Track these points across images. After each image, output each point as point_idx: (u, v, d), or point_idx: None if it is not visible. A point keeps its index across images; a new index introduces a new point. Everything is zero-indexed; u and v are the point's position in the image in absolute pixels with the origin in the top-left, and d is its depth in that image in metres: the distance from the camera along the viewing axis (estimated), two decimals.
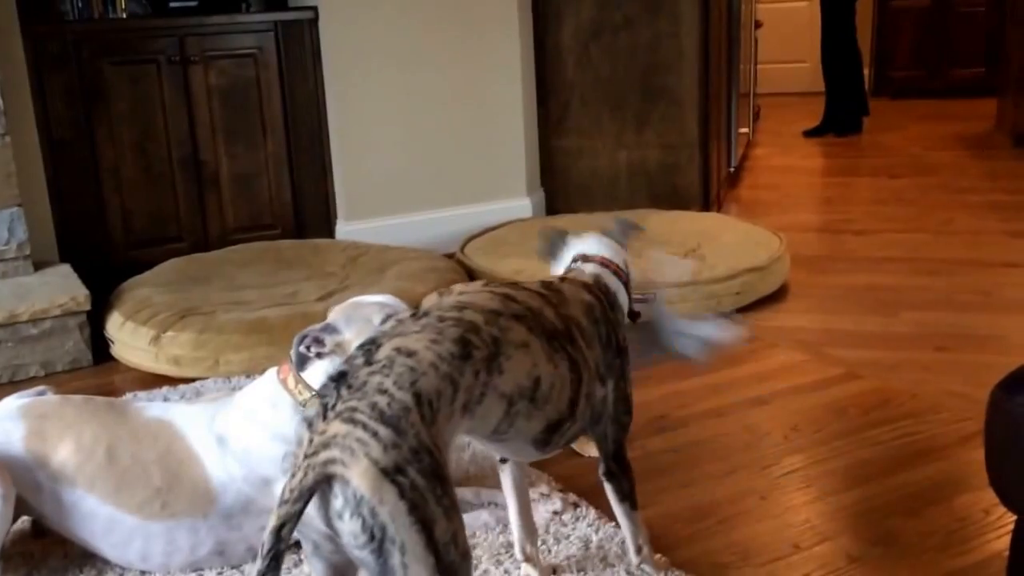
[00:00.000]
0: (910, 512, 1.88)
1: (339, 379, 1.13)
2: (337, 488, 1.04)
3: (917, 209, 4.45)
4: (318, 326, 1.66)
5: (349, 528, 1.04)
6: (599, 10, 4.06)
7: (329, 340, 1.63)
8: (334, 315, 1.68)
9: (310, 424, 1.11)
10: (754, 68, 6.15)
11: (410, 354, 1.16)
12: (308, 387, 1.67)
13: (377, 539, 1.04)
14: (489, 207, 4.02)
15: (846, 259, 3.66)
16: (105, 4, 3.55)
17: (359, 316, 1.64)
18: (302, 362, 1.66)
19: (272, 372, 1.74)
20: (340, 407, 1.09)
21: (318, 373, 1.65)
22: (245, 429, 1.68)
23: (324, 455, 1.05)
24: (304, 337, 1.63)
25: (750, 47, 5.68)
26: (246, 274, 3.20)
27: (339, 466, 1.04)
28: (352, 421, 1.07)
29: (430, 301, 1.33)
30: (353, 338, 1.62)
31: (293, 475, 1.05)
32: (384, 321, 1.63)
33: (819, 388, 2.50)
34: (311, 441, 1.07)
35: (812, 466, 2.08)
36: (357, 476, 1.03)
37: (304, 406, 1.66)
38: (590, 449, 2.14)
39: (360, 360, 1.16)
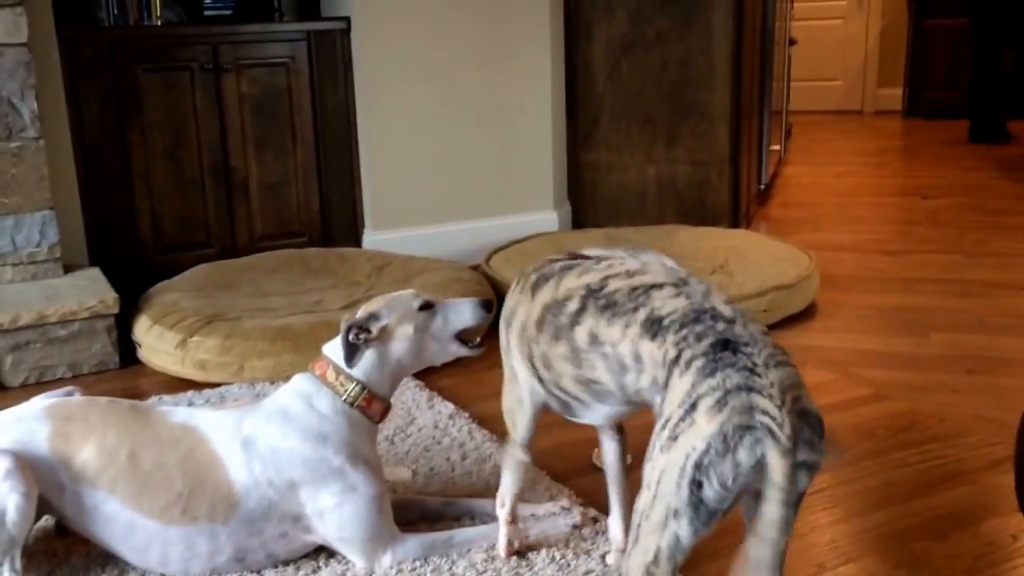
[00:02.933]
0: (936, 536, 1.84)
1: (725, 345, 1.18)
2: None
3: (950, 230, 4.39)
4: (361, 315, 1.71)
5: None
6: (631, 24, 4.05)
7: (375, 327, 1.70)
8: (370, 307, 1.73)
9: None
10: (787, 85, 6.12)
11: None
12: (350, 378, 1.70)
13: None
14: (515, 220, 4.01)
15: (876, 279, 3.62)
16: (140, 11, 3.59)
17: (398, 302, 1.72)
18: (352, 353, 1.69)
19: (303, 375, 1.75)
20: (765, 355, 1.17)
21: (362, 364, 1.70)
22: (275, 430, 1.68)
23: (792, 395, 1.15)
24: (351, 327, 1.68)
25: (783, 64, 5.65)
26: (273, 281, 3.22)
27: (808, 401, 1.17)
28: (789, 363, 1.20)
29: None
30: (395, 323, 1.70)
31: (767, 400, 1.12)
32: (422, 307, 1.72)
33: (846, 408, 2.46)
34: (759, 375, 1.14)
35: (838, 486, 2.05)
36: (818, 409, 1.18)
37: (346, 399, 1.69)
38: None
39: (723, 324, 1.21)
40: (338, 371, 1.71)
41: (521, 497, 1.71)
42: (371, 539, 1.70)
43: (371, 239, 3.83)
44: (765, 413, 1.11)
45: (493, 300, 1.99)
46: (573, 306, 1.36)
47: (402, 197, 3.85)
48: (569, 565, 1.71)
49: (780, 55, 5.29)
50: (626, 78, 4.12)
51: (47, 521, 1.83)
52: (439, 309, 1.74)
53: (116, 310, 2.88)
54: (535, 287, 1.46)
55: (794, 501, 1.14)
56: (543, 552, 1.74)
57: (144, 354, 2.87)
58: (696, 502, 1.13)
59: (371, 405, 1.72)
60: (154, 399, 2.58)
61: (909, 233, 4.37)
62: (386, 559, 1.71)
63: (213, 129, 3.56)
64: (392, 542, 1.72)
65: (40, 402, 1.77)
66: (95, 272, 3.18)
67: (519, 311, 1.49)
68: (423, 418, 2.39)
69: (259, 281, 3.21)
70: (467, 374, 2.66)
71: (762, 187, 4.95)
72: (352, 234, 3.87)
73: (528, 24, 3.91)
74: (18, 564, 1.63)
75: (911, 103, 8.15)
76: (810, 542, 1.84)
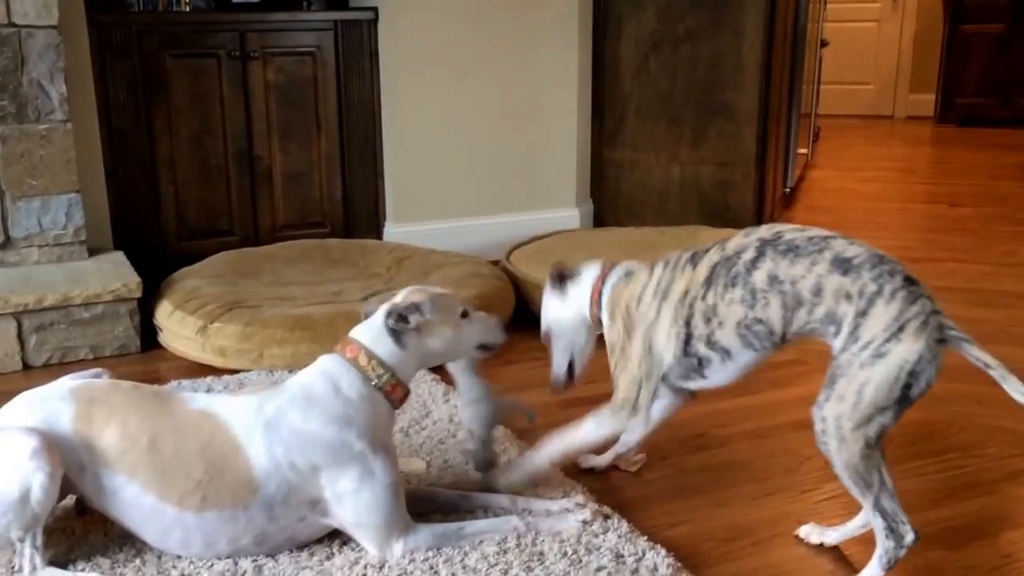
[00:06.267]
0: (953, 546, 1.82)
1: (912, 280, 1.53)
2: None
3: (978, 239, 4.34)
4: (402, 303, 1.72)
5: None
6: (661, 22, 4.03)
7: (414, 319, 1.72)
8: (412, 297, 1.75)
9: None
10: (816, 88, 6.07)
11: None
12: (382, 363, 1.71)
13: None
14: (536, 216, 4.00)
15: None
16: None
17: (444, 303, 1.76)
18: (397, 339, 1.72)
19: (331, 356, 1.75)
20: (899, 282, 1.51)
21: (397, 351, 1.72)
22: (298, 413, 1.68)
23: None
24: (392, 313, 1.70)
25: (814, 66, 5.60)
26: (293, 270, 3.23)
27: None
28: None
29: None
30: (438, 322, 1.73)
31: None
32: (464, 314, 1.78)
33: None
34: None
35: None
36: None
37: (375, 384, 1.70)
38: (631, 464, 2.12)
39: (898, 265, 1.56)
40: (370, 355, 1.72)
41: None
42: (385, 526, 1.70)
43: (392, 231, 3.83)
44: (952, 328, 1.50)
45: (508, 323, 2.05)
46: (749, 255, 1.62)
47: (424, 190, 3.85)
48: (581, 561, 1.70)
49: (811, 57, 5.25)
50: (654, 76, 4.09)
51: (68, 500, 1.85)
52: (474, 319, 1.80)
53: (139, 294, 2.90)
54: (691, 261, 1.71)
55: None
56: (555, 547, 1.73)
57: (165, 338, 2.89)
58: (903, 399, 1.49)
59: (395, 390, 1.74)
60: (173, 383, 2.59)
61: (935, 241, 4.33)
62: (398, 547, 1.71)
63: (238, 117, 3.58)
64: (405, 531, 1.72)
65: (66, 383, 1.78)
66: (119, 256, 3.20)
67: (676, 283, 1.71)
68: (438, 411, 2.39)
69: (280, 270, 3.22)
70: (484, 370, 2.64)
71: (787, 190, 4.91)
72: (373, 226, 3.87)
73: (556, 19, 3.90)
74: (39, 541, 1.65)
75: (943, 109, 8.06)
76: (823, 548, 1.82)
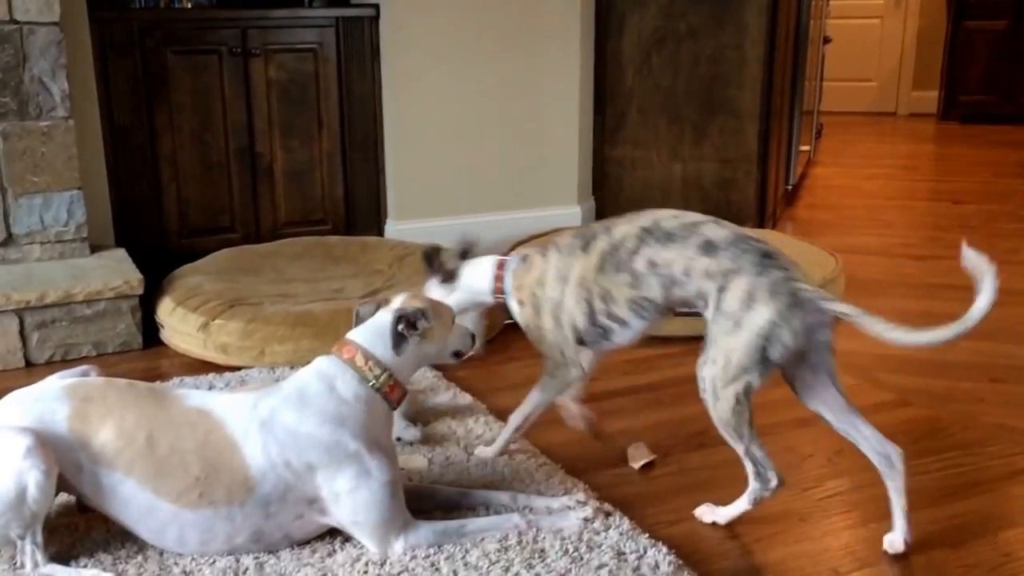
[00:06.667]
0: (954, 544, 1.82)
1: (766, 255, 1.72)
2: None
3: (981, 236, 4.33)
4: (410, 309, 1.76)
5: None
6: (663, 19, 4.02)
7: (421, 324, 1.77)
8: (416, 302, 1.79)
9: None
10: (819, 85, 6.06)
11: None
12: (379, 364, 1.73)
13: None
14: (538, 213, 4.00)
15: (903, 284, 3.58)
16: None
17: (443, 311, 1.87)
18: (399, 343, 1.75)
19: (327, 357, 1.76)
20: (787, 260, 1.73)
21: (397, 354, 1.75)
22: (292, 413, 1.69)
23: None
24: (402, 318, 1.74)
25: (816, 63, 5.59)
26: (295, 267, 3.23)
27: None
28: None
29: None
30: (438, 329, 1.80)
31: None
32: (452, 321, 1.87)
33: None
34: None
35: (855, 491, 2.03)
36: None
37: (373, 385, 1.72)
38: (638, 459, 2.12)
39: (758, 243, 1.76)
40: (367, 356, 1.74)
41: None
42: (384, 524, 1.70)
43: (393, 228, 3.83)
44: (806, 291, 1.68)
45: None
46: (631, 244, 1.83)
47: (425, 187, 3.85)
48: (582, 558, 1.70)
49: (814, 54, 5.24)
50: (656, 73, 4.09)
51: (68, 497, 1.85)
52: (456, 327, 1.88)
53: (141, 291, 2.90)
54: (583, 248, 1.90)
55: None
56: (557, 545, 1.73)
57: (167, 335, 2.89)
58: (764, 360, 1.70)
59: (393, 391, 1.76)
60: (175, 380, 2.59)
61: (938, 238, 4.32)
62: (398, 545, 1.71)
63: (240, 114, 3.57)
64: (405, 528, 1.72)
65: (58, 382, 1.78)
66: (121, 253, 3.20)
67: (574, 268, 1.91)
68: (439, 409, 2.39)
69: (281, 267, 3.22)
70: (485, 366, 2.66)
71: (790, 187, 4.90)
72: (375, 223, 3.87)
73: (559, 17, 3.89)
74: (39, 539, 1.65)
75: (946, 106, 8.04)
76: (825, 546, 1.82)
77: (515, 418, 2.08)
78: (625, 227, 1.86)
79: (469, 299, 2.08)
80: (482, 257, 2.10)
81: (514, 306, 2.03)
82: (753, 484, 1.81)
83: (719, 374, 1.73)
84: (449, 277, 2.08)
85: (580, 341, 1.96)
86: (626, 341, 1.95)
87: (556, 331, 1.96)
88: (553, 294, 1.94)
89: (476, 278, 2.06)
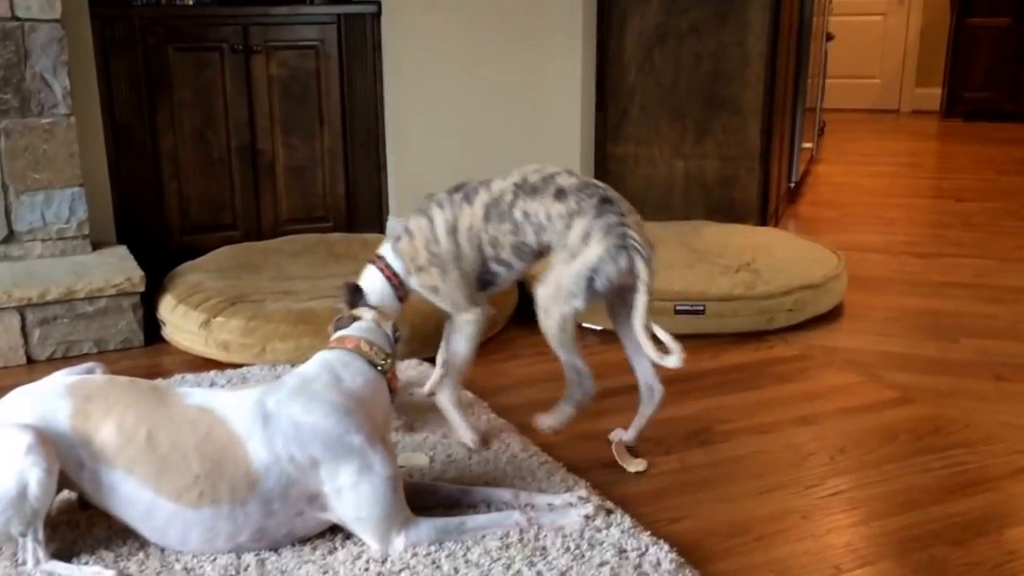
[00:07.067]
0: (956, 542, 1.81)
1: (606, 200, 1.97)
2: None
3: (984, 234, 4.32)
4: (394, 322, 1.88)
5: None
6: (665, 15, 4.01)
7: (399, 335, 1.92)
8: (385, 319, 1.90)
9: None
10: (822, 82, 6.04)
11: None
12: (383, 350, 1.80)
13: None
14: None
15: (906, 281, 3.57)
16: None
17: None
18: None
19: (330, 350, 1.79)
20: (626, 207, 1.99)
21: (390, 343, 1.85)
22: (298, 405, 1.69)
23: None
24: (394, 326, 1.89)
25: (819, 60, 5.57)
26: (296, 265, 3.22)
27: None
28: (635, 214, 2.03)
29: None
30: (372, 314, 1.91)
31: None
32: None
33: (870, 411, 2.43)
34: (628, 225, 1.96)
35: (858, 489, 2.03)
36: None
37: (381, 368, 1.78)
38: (633, 464, 2.11)
39: (602, 189, 2.01)
40: (371, 343, 1.79)
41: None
42: (385, 520, 1.70)
43: (395, 225, 3.83)
44: (632, 238, 1.92)
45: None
46: (508, 197, 2.05)
47: (427, 184, 3.83)
48: (584, 556, 1.70)
49: (816, 50, 5.22)
50: (658, 70, 4.08)
51: (69, 494, 1.85)
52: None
53: (142, 288, 2.90)
54: (465, 200, 2.09)
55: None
56: (558, 542, 1.73)
57: (168, 333, 2.89)
58: (589, 288, 1.94)
59: (394, 380, 1.82)
60: (177, 378, 2.59)
61: (941, 236, 4.31)
62: (399, 541, 1.71)
63: (241, 111, 3.57)
64: (406, 525, 1.72)
65: (61, 379, 1.78)
66: (122, 250, 3.20)
67: (461, 219, 2.09)
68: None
69: (283, 264, 3.22)
70: (487, 364, 2.66)
71: (792, 185, 4.89)
72: (376, 220, 3.87)
73: (560, 13, 3.88)
74: (41, 535, 1.65)
75: (950, 103, 8.02)
76: (827, 543, 1.82)
77: (451, 369, 2.21)
78: (501, 183, 2.07)
79: (391, 309, 2.18)
80: (363, 274, 2.20)
81: (414, 279, 2.14)
82: (571, 389, 2.05)
83: (552, 295, 1.98)
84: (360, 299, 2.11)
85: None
86: (508, 283, 2.18)
87: (462, 278, 2.12)
88: (449, 246, 2.10)
89: (376, 291, 2.15)
